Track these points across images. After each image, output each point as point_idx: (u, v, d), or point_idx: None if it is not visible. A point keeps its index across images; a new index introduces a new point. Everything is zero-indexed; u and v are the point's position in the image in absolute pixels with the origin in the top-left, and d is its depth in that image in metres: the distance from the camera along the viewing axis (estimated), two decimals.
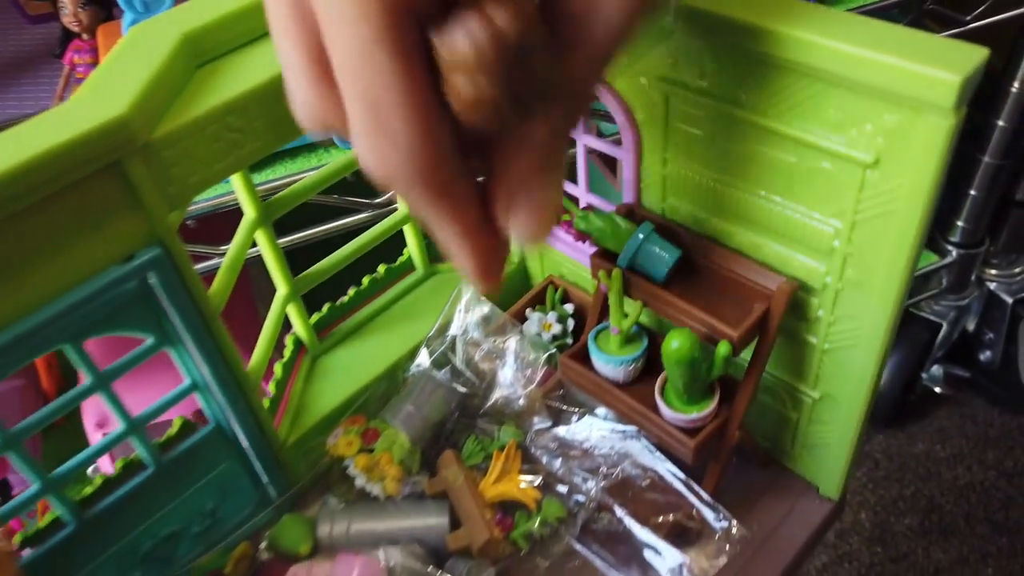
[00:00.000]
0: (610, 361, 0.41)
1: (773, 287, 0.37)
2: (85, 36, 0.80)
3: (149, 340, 0.36)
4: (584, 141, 0.43)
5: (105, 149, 0.29)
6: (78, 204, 0.30)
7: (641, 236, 0.38)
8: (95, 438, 0.82)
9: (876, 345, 0.35)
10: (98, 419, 0.83)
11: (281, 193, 0.43)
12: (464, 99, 0.22)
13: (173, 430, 0.40)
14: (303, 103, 0.25)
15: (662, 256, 0.38)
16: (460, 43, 0.21)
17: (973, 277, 1.17)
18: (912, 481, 1.22)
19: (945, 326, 1.20)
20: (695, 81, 0.34)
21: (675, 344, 0.35)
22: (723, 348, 0.36)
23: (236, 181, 0.40)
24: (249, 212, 0.41)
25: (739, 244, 0.38)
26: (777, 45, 0.30)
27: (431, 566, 0.40)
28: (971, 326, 1.23)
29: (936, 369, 1.27)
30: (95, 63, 0.78)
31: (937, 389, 1.29)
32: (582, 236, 0.47)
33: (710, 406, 0.38)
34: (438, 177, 0.23)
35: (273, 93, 0.34)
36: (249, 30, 0.35)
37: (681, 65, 0.34)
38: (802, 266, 0.36)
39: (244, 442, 0.42)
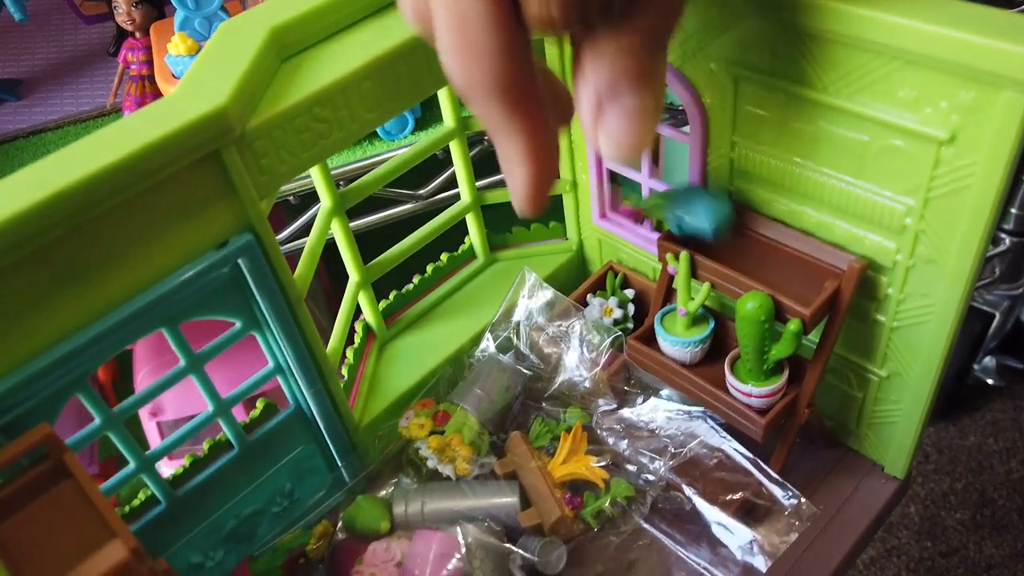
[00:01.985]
0: (678, 343, 0.42)
1: (843, 266, 0.37)
2: (138, 34, 0.82)
3: (237, 324, 0.38)
4: None
5: (206, 139, 0.31)
6: (179, 192, 0.32)
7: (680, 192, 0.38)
8: (150, 427, 0.84)
9: (948, 320, 0.36)
10: (152, 408, 0.85)
11: (355, 183, 0.44)
12: (535, 18, 0.25)
13: (256, 412, 0.42)
14: (413, 11, 0.27)
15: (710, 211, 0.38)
16: None
17: None
18: (963, 475, 1.20)
19: (998, 316, 1.17)
20: (766, 63, 0.35)
21: (750, 305, 0.36)
22: (793, 324, 0.36)
23: (314, 171, 0.41)
24: (326, 201, 0.43)
25: (807, 224, 0.38)
26: (852, 25, 0.30)
27: (506, 542, 0.41)
28: None
29: (989, 360, 1.25)
30: (148, 61, 0.80)
31: (990, 381, 1.26)
32: (638, 216, 0.48)
33: (779, 381, 0.39)
34: (515, 88, 0.26)
35: (355, 85, 0.35)
36: (330, 24, 0.36)
37: (752, 48, 0.35)
38: (872, 244, 0.36)
39: (321, 424, 0.43)
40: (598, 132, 0.28)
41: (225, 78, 0.32)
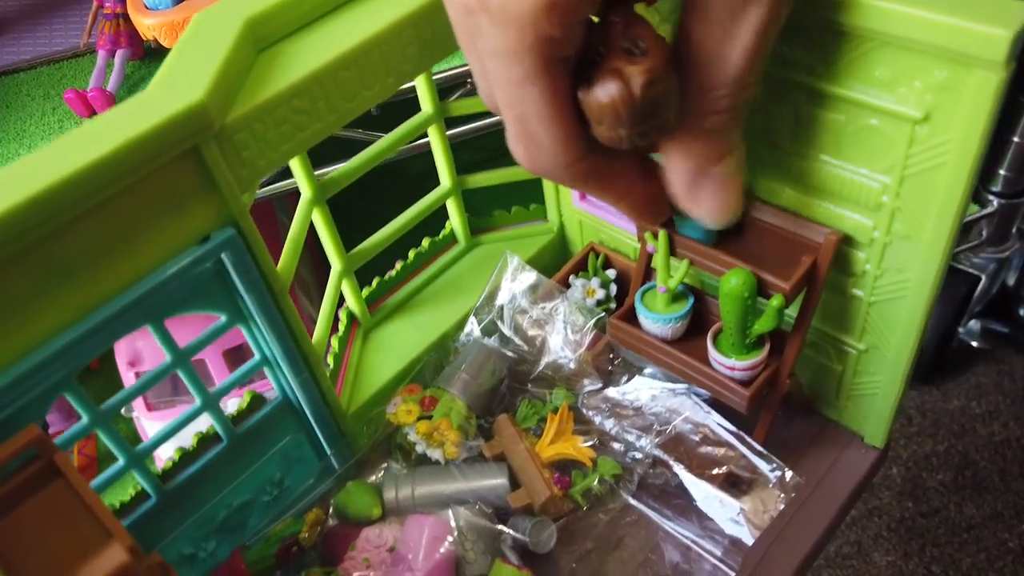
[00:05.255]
0: (658, 320, 0.42)
1: (819, 239, 0.38)
2: None
3: (222, 318, 0.38)
4: None
5: (185, 134, 0.31)
6: (160, 189, 0.32)
7: None
8: (128, 377, 0.84)
9: (924, 295, 0.36)
10: (130, 358, 0.84)
11: (333, 173, 0.44)
12: (603, 137, 0.28)
13: (243, 404, 0.42)
14: (487, 97, 0.31)
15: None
16: (602, 101, 0.27)
17: (1014, 229, 1.11)
18: (946, 437, 1.20)
19: (984, 279, 1.14)
20: None
21: (734, 281, 0.37)
22: (776, 300, 0.37)
23: (294, 163, 0.41)
24: (306, 192, 0.43)
25: (786, 203, 0.39)
26: (827, 7, 0.31)
27: (497, 523, 0.42)
28: (1011, 280, 1.18)
29: (974, 323, 1.23)
30: None
31: (974, 344, 1.25)
32: None
33: (761, 354, 0.39)
34: (577, 168, 0.29)
35: (332, 75, 0.35)
36: (305, 14, 0.36)
37: None
38: (850, 222, 0.37)
39: (309, 413, 0.44)
40: (692, 207, 0.34)
41: (202, 72, 0.32)
